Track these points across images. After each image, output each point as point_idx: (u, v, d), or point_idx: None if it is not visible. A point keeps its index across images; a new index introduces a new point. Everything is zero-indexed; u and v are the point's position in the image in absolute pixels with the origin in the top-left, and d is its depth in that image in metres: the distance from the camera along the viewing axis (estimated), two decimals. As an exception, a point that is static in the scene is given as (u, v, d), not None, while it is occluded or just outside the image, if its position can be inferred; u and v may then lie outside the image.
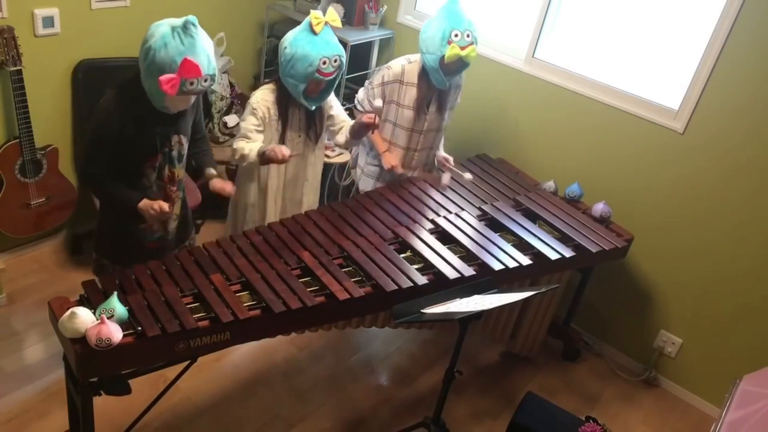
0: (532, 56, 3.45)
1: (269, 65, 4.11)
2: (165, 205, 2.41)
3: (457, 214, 2.95)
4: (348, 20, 3.83)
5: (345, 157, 3.83)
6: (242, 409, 2.89)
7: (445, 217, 2.91)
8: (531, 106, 3.48)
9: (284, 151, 2.65)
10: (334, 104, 2.99)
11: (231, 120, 3.83)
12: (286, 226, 2.68)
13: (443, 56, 2.83)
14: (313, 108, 2.83)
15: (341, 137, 2.95)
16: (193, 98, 2.36)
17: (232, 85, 3.89)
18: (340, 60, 2.71)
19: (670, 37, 3.09)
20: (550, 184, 3.29)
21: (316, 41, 2.63)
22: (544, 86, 3.40)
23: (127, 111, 2.30)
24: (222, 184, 2.61)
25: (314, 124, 2.91)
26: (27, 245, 3.48)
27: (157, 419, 2.72)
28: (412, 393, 3.14)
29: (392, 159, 3.10)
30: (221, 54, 3.71)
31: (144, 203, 2.41)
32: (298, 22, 3.88)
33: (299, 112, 2.85)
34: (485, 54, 3.55)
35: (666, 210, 3.20)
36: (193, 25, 2.21)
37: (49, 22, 3.06)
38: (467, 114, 3.65)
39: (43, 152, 3.15)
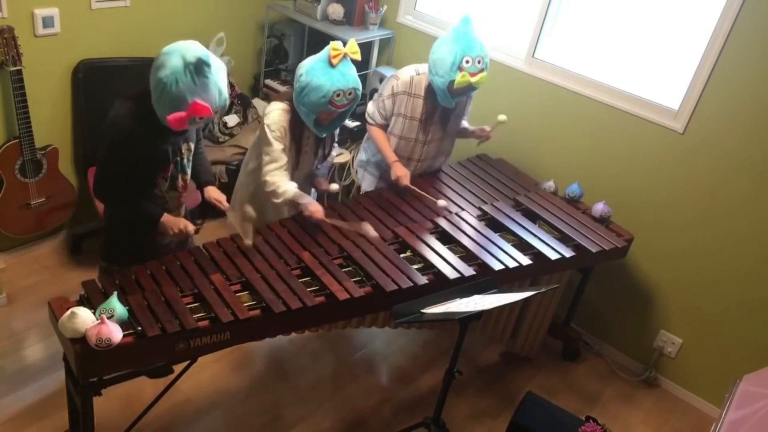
0: (532, 56, 3.45)
1: (269, 65, 4.11)
2: (191, 228, 2.45)
3: (457, 214, 2.95)
4: (348, 20, 3.83)
5: (345, 157, 3.83)
6: (242, 409, 2.89)
7: (445, 217, 2.91)
8: (531, 106, 3.48)
9: (318, 211, 2.64)
10: (331, 155, 3.00)
11: (231, 120, 3.83)
12: (286, 226, 2.69)
13: (452, 81, 2.77)
14: (324, 136, 2.81)
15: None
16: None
17: (232, 85, 3.89)
18: (355, 93, 2.67)
19: (670, 37, 3.09)
20: (550, 184, 3.29)
21: (332, 73, 2.58)
22: (544, 86, 3.40)
23: (143, 127, 2.28)
24: (218, 195, 2.62)
25: (323, 147, 2.91)
26: (27, 245, 3.49)
27: (157, 419, 2.71)
28: (412, 393, 3.14)
29: (401, 170, 3.00)
30: (221, 54, 3.71)
31: (167, 219, 2.43)
32: (298, 22, 3.93)
33: (310, 137, 2.83)
34: (485, 54, 3.55)
35: (666, 210, 3.20)
36: (207, 65, 2.15)
37: (49, 22, 3.06)
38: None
39: (43, 152, 3.15)
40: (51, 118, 3.25)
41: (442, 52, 2.80)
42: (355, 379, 3.16)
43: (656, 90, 3.14)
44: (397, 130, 3.04)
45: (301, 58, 4.09)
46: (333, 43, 2.62)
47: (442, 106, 2.98)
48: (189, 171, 2.55)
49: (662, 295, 3.34)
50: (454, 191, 3.16)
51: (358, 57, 2.66)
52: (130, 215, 2.48)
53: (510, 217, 2.99)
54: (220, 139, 3.84)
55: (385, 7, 3.87)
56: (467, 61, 2.75)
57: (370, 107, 3.11)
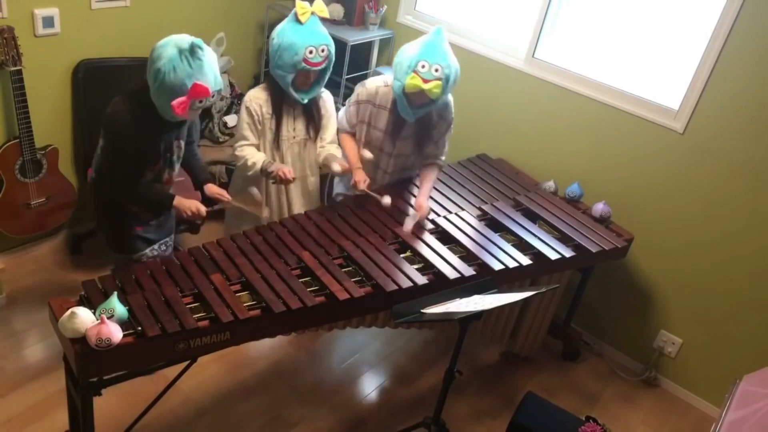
0: (532, 56, 3.45)
1: (269, 65, 4.11)
2: (203, 209, 2.56)
3: (457, 214, 2.95)
4: (348, 20, 3.83)
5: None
6: (242, 409, 2.89)
7: (445, 217, 2.91)
8: (531, 106, 3.48)
9: (287, 172, 2.70)
10: (331, 122, 2.96)
11: (231, 120, 3.83)
12: (286, 226, 2.68)
13: (405, 84, 2.65)
14: (306, 101, 2.81)
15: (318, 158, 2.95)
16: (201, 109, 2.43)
17: (232, 85, 3.89)
18: (328, 49, 2.71)
19: (670, 37, 3.09)
20: (550, 184, 3.29)
21: (301, 30, 2.64)
22: (544, 86, 3.40)
23: (140, 121, 2.37)
24: (218, 190, 2.69)
25: (313, 119, 2.90)
26: (27, 245, 3.48)
27: (157, 419, 2.71)
28: (412, 393, 3.14)
29: (360, 175, 2.83)
30: (221, 54, 3.71)
31: (180, 202, 2.54)
32: (298, 22, 3.92)
33: (294, 110, 2.85)
34: (485, 54, 3.55)
35: (666, 210, 3.20)
36: (200, 48, 2.26)
37: (49, 22, 3.06)
38: (467, 114, 3.66)
39: (43, 152, 3.15)
40: (51, 118, 3.25)
41: (402, 55, 2.71)
42: (355, 379, 3.16)
43: (656, 90, 3.14)
44: (363, 136, 2.96)
45: (301, 58, 4.12)
46: (299, 2, 2.67)
47: (404, 120, 2.82)
48: (176, 167, 2.64)
49: (662, 295, 3.34)
50: (454, 191, 3.16)
51: (325, 14, 2.72)
52: (142, 201, 2.58)
53: (510, 217, 2.99)
54: (220, 139, 3.84)
55: (385, 7, 3.87)
56: (423, 66, 2.61)
57: (341, 113, 3.03)
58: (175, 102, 2.26)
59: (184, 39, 2.26)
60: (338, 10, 3.80)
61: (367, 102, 2.91)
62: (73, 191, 3.36)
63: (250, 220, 2.92)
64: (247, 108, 2.79)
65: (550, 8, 3.34)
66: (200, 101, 2.31)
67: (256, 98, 2.80)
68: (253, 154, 2.79)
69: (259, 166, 2.75)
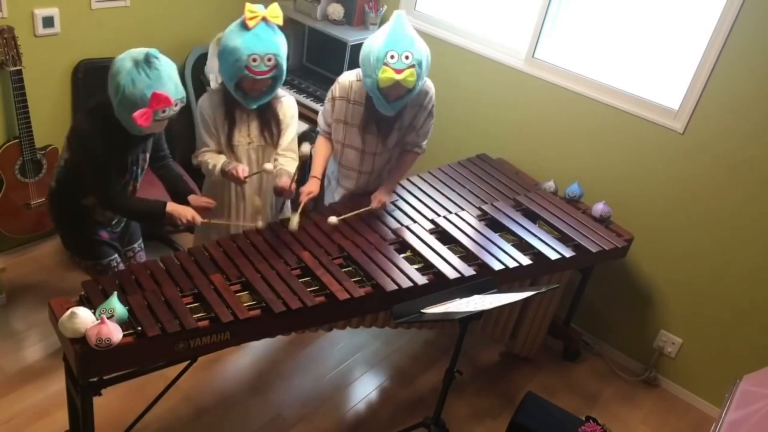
0: (532, 56, 3.45)
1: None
2: (198, 219, 2.51)
3: (457, 214, 2.95)
4: (348, 20, 3.83)
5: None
6: (242, 409, 2.89)
7: (445, 217, 2.91)
8: (531, 106, 3.48)
9: (240, 171, 2.56)
10: (289, 125, 2.76)
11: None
12: (286, 226, 2.68)
13: (378, 79, 2.51)
14: (254, 107, 2.64)
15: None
16: (166, 122, 2.40)
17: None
18: (276, 60, 2.51)
19: (670, 37, 3.09)
20: (550, 184, 3.29)
21: (246, 36, 2.46)
22: (544, 86, 3.40)
23: (107, 137, 2.36)
24: (204, 199, 2.65)
25: (268, 125, 2.72)
26: (27, 245, 3.49)
27: (157, 419, 2.72)
28: (412, 393, 3.14)
29: (311, 186, 2.71)
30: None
31: (174, 210, 2.49)
32: (298, 22, 3.92)
33: (248, 115, 2.69)
34: (485, 54, 3.55)
35: (666, 210, 3.20)
36: (156, 57, 2.25)
37: (49, 22, 3.06)
38: (467, 113, 3.66)
39: (43, 152, 3.15)
40: (51, 118, 3.25)
41: (367, 49, 2.56)
42: (355, 379, 3.16)
43: (656, 90, 3.14)
44: (339, 136, 2.84)
45: (301, 59, 4.13)
46: (248, 5, 2.48)
47: (385, 117, 2.70)
48: (140, 179, 2.62)
49: (662, 295, 3.34)
50: (454, 191, 3.15)
51: (279, 21, 2.53)
52: (136, 213, 2.57)
53: (510, 217, 2.99)
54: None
55: (385, 7, 3.87)
56: (392, 56, 2.48)
57: (319, 116, 2.91)
58: (136, 113, 2.23)
59: (138, 50, 2.25)
60: (338, 10, 3.80)
61: (342, 98, 2.76)
62: (73, 191, 3.36)
63: (220, 229, 2.87)
64: (201, 114, 2.66)
65: (550, 8, 3.34)
66: (163, 111, 2.28)
67: (209, 105, 2.65)
68: (212, 157, 2.66)
69: (218, 167, 2.62)
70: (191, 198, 2.65)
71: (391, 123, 2.76)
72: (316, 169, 2.79)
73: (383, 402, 3.07)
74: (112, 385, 2.14)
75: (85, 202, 2.53)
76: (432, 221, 2.88)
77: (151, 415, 2.45)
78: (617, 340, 3.55)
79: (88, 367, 2.01)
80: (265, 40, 2.48)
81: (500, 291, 2.37)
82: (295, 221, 2.55)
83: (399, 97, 2.61)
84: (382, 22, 3.90)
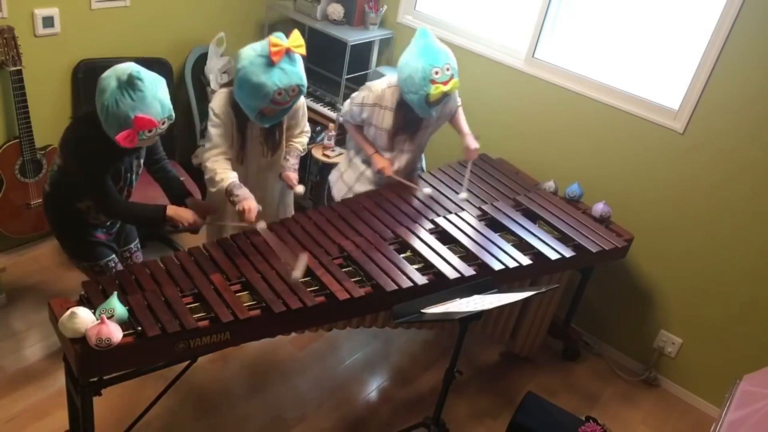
0: (532, 56, 3.45)
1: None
2: (200, 221, 2.50)
3: (457, 214, 2.95)
4: (348, 20, 3.83)
5: (344, 157, 3.82)
6: (243, 409, 2.89)
7: (445, 217, 2.91)
8: (531, 106, 3.48)
9: (249, 212, 2.49)
10: (301, 115, 2.85)
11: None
12: (286, 226, 2.68)
13: (428, 95, 2.75)
14: (267, 125, 2.66)
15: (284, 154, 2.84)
16: (156, 138, 2.38)
17: (232, 85, 3.89)
18: (299, 89, 2.53)
19: (670, 37, 3.09)
20: (550, 184, 3.29)
21: (272, 72, 2.43)
22: (544, 86, 3.40)
23: (99, 146, 2.34)
24: (203, 204, 2.65)
25: (272, 135, 2.77)
26: (27, 245, 3.49)
27: (157, 419, 2.72)
28: (412, 393, 3.14)
29: (382, 161, 3.03)
30: (221, 54, 3.71)
31: (175, 213, 2.47)
32: (298, 22, 3.92)
33: (256, 126, 2.71)
34: (485, 54, 3.55)
35: (666, 210, 3.20)
36: (139, 79, 2.19)
37: (49, 22, 3.06)
38: (467, 113, 3.65)
39: (43, 152, 3.15)
40: (51, 118, 3.25)
41: (410, 69, 2.77)
42: (355, 379, 3.16)
43: (656, 90, 3.14)
44: (370, 137, 3.05)
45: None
46: (272, 38, 2.43)
47: (412, 119, 2.96)
48: (134, 184, 2.61)
49: (662, 295, 3.34)
50: (455, 191, 3.15)
51: (302, 52, 2.50)
52: (136, 217, 2.56)
53: (510, 217, 2.99)
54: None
55: (385, 7, 3.87)
56: (436, 72, 2.73)
57: (346, 106, 3.08)
58: (119, 136, 2.21)
59: (123, 69, 2.20)
60: (338, 10, 3.80)
61: (374, 105, 2.95)
62: (73, 191, 3.36)
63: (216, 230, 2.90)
64: (215, 115, 2.62)
65: (550, 8, 3.34)
66: (149, 131, 2.24)
67: (225, 106, 2.62)
68: (223, 171, 2.60)
69: (225, 185, 2.56)
70: (189, 201, 2.61)
71: (420, 123, 3.00)
72: (370, 147, 3.05)
73: (383, 402, 3.07)
74: (112, 385, 2.14)
75: (79, 205, 2.52)
76: (432, 221, 2.88)
77: (151, 415, 2.45)
78: (617, 340, 3.55)
79: (88, 367, 2.01)
80: (290, 74, 2.47)
81: (500, 291, 2.37)
82: (261, 224, 2.53)
83: (439, 102, 2.87)
84: (383, 22, 3.91)
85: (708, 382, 3.30)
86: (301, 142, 2.89)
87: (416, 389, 3.16)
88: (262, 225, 2.55)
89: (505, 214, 3.01)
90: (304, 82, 2.55)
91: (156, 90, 2.25)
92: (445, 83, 2.75)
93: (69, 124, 2.41)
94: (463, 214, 2.95)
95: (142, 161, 2.58)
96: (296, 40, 2.48)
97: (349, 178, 3.20)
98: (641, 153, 3.19)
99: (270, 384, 3.04)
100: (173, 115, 2.33)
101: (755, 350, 3.11)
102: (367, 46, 3.90)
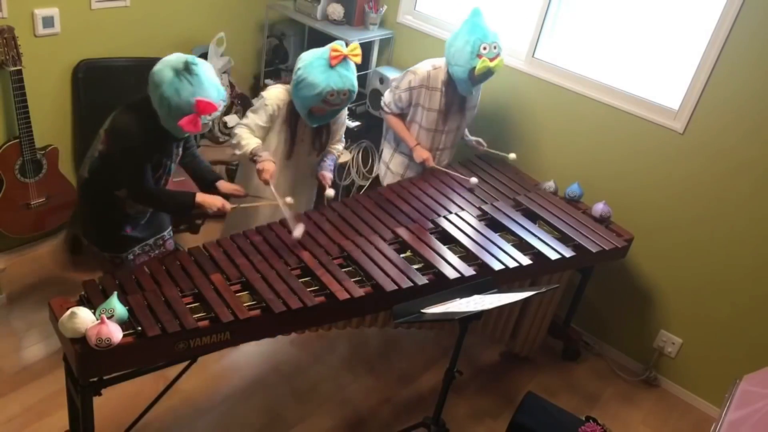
0: (532, 56, 3.45)
1: (269, 65, 4.11)
2: (228, 205, 2.58)
3: (457, 214, 2.95)
4: (348, 20, 3.83)
5: (345, 157, 3.83)
6: (242, 409, 2.89)
7: (445, 217, 2.92)
8: (531, 106, 3.48)
9: (266, 172, 2.68)
10: (342, 124, 3.05)
11: (231, 120, 3.83)
12: (286, 226, 2.68)
13: (473, 68, 2.93)
14: (314, 125, 2.86)
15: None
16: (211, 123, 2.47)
17: (232, 85, 3.89)
18: (350, 93, 2.73)
19: (670, 37, 3.09)
20: (550, 184, 3.29)
21: (329, 73, 2.64)
22: (544, 86, 3.40)
23: (147, 135, 2.40)
24: (233, 186, 2.74)
25: (320, 136, 2.96)
26: (27, 245, 3.48)
27: (157, 419, 2.71)
28: (412, 393, 3.14)
29: (423, 152, 3.17)
30: (221, 54, 3.71)
31: (204, 199, 2.55)
32: (298, 22, 3.93)
33: (306, 126, 2.89)
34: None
35: (666, 210, 3.20)
36: (194, 64, 2.30)
37: (49, 22, 3.06)
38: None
39: (43, 152, 3.15)
40: (51, 118, 3.25)
41: (459, 43, 2.95)
42: (355, 379, 3.16)
43: (656, 90, 3.14)
44: (418, 118, 3.18)
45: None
46: (335, 44, 2.67)
47: (458, 98, 3.14)
48: (173, 172, 2.67)
49: (662, 295, 3.34)
50: (454, 191, 3.16)
51: (358, 60, 2.72)
52: (167, 204, 2.61)
53: (510, 217, 2.99)
54: (220, 139, 3.84)
55: (385, 7, 3.87)
56: (485, 48, 2.91)
57: (387, 96, 3.23)
58: (183, 121, 2.29)
59: (175, 58, 2.30)
60: (338, 10, 3.80)
61: (421, 86, 3.10)
62: (73, 191, 3.36)
63: (248, 216, 2.94)
64: (266, 105, 2.80)
65: (550, 8, 3.34)
66: (209, 115, 2.34)
67: (279, 98, 2.82)
68: (248, 137, 2.79)
69: (249, 149, 2.75)
70: (220, 184, 2.72)
71: (464, 104, 3.21)
72: (411, 139, 3.21)
73: (383, 402, 3.07)
74: (112, 385, 2.14)
75: (118, 193, 2.55)
76: (432, 221, 2.88)
77: (151, 415, 2.45)
78: (617, 340, 3.55)
79: (88, 367, 2.01)
80: (345, 78, 2.68)
81: (500, 291, 2.37)
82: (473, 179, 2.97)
83: (481, 81, 3.06)
84: (383, 22, 3.91)
85: (708, 382, 3.30)
86: (337, 148, 3.08)
87: (416, 389, 3.16)
88: (289, 199, 2.71)
89: (505, 214, 3.01)
90: (356, 89, 2.75)
91: (210, 73, 2.37)
92: (491, 59, 2.93)
93: (119, 110, 2.45)
94: (463, 214, 2.95)
95: (181, 149, 2.64)
96: (354, 49, 2.71)
97: (396, 168, 3.34)
98: (641, 153, 3.19)
99: (270, 384, 3.04)
100: (226, 97, 2.44)
101: (755, 350, 3.11)
102: (367, 46, 3.90)
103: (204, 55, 3.69)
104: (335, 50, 2.64)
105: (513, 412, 2.63)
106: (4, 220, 3.16)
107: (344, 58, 2.66)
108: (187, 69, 2.27)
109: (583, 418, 2.56)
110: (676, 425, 3.24)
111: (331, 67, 2.64)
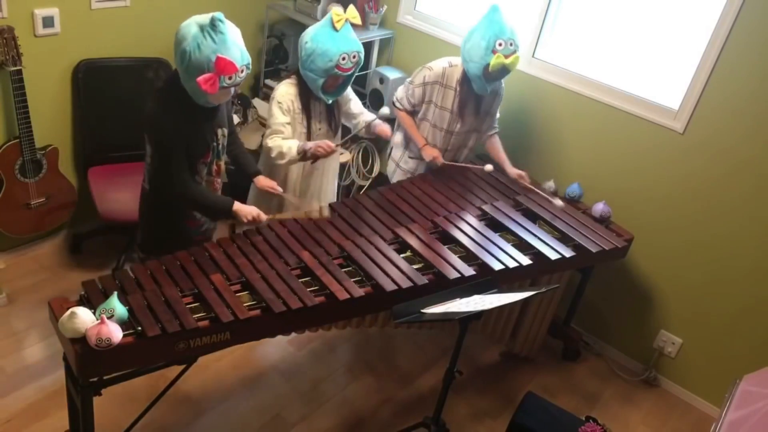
0: (533, 56, 3.45)
1: (269, 65, 4.11)
2: (263, 216, 2.56)
3: (457, 214, 2.95)
4: (348, 20, 3.82)
5: (345, 157, 3.83)
6: (242, 409, 2.89)
7: (445, 217, 2.91)
8: (531, 106, 3.48)
9: (330, 144, 2.78)
10: (351, 98, 3.08)
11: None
12: (286, 226, 2.68)
13: (487, 65, 2.89)
14: (330, 102, 2.91)
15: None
16: (233, 90, 2.41)
17: (232, 85, 3.89)
18: (359, 56, 2.79)
19: (670, 37, 3.09)
20: (550, 184, 3.29)
21: (336, 37, 2.71)
22: (544, 86, 3.40)
23: (178, 115, 2.36)
24: (270, 182, 2.75)
25: (333, 116, 3.00)
26: (27, 245, 3.49)
27: (157, 419, 2.72)
28: (412, 393, 3.14)
29: (433, 150, 3.16)
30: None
31: (240, 208, 2.53)
32: (298, 22, 3.92)
33: (319, 104, 2.93)
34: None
35: (666, 210, 3.20)
36: (221, 21, 2.25)
37: (49, 22, 3.06)
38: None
39: (43, 152, 3.15)
40: (51, 118, 3.25)
41: (476, 38, 2.92)
42: (355, 379, 3.16)
43: (656, 90, 3.14)
44: (430, 116, 3.16)
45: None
46: (334, 9, 2.73)
47: (475, 97, 3.10)
48: (223, 157, 2.66)
49: (662, 295, 3.34)
50: (454, 191, 3.15)
51: (358, 21, 2.80)
52: (201, 205, 2.56)
53: (510, 217, 2.99)
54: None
55: (385, 7, 3.87)
56: (500, 44, 2.87)
57: (400, 92, 3.22)
58: (201, 78, 2.22)
59: (204, 15, 2.25)
60: (337, 11, 3.79)
61: (435, 83, 3.09)
62: (73, 191, 3.36)
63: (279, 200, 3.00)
64: (280, 104, 2.84)
65: (550, 8, 3.34)
66: (229, 78, 2.27)
67: (288, 93, 2.85)
68: (283, 142, 2.81)
69: (294, 149, 2.78)
70: (258, 179, 2.74)
71: (480, 107, 3.16)
72: (420, 138, 3.19)
73: (383, 402, 3.07)
74: (112, 385, 2.14)
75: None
76: (432, 221, 2.88)
77: (151, 416, 2.45)
78: (617, 340, 3.55)
79: (88, 367, 2.01)
80: (351, 40, 2.76)
81: (500, 291, 2.37)
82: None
83: (496, 79, 3.03)
84: (383, 22, 3.91)
85: (708, 382, 3.30)
86: (352, 104, 3.10)
87: (416, 389, 3.16)
88: (317, 207, 2.81)
89: (505, 214, 3.01)
90: (362, 49, 2.80)
91: (236, 35, 2.33)
92: (506, 56, 2.87)
93: (148, 101, 2.43)
94: (463, 214, 2.95)
95: (226, 131, 2.61)
96: (352, 12, 2.77)
97: (407, 165, 3.34)
98: (641, 153, 3.19)
99: (270, 384, 3.04)
100: (250, 62, 2.39)
101: (755, 350, 3.11)
102: (367, 46, 3.89)
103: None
104: (337, 14, 2.71)
105: (513, 412, 2.63)
106: (4, 220, 3.16)
107: (346, 21, 2.73)
108: (212, 25, 2.22)
109: (583, 418, 2.56)
110: (675, 425, 3.24)
111: (337, 31, 2.70)
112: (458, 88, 3.08)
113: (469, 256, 2.70)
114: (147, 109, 2.40)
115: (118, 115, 3.37)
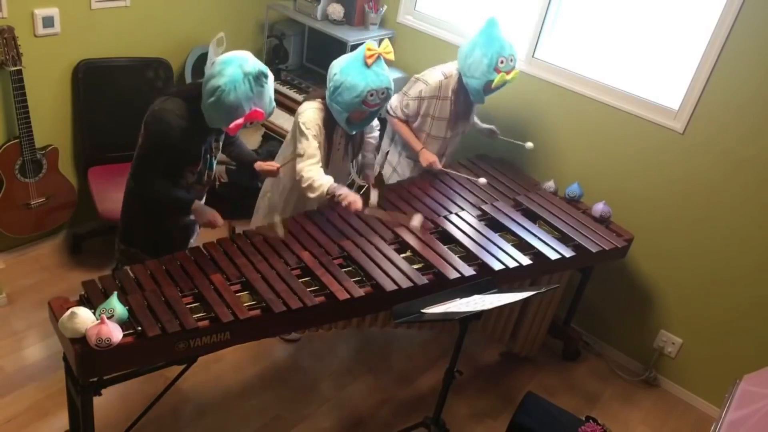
0: (532, 56, 3.45)
1: (269, 65, 4.09)
2: (219, 221, 2.58)
3: (457, 214, 2.95)
4: (348, 20, 3.82)
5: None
6: (242, 409, 2.89)
7: (445, 217, 2.92)
8: (531, 106, 3.48)
9: (358, 206, 2.64)
10: (375, 129, 3.07)
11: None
12: (286, 226, 2.68)
13: (490, 81, 2.94)
14: (354, 133, 2.88)
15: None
16: None
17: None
18: (388, 93, 2.72)
19: (670, 37, 3.09)
20: (550, 184, 3.29)
21: (366, 73, 2.63)
22: (544, 86, 3.40)
23: (187, 125, 2.41)
24: (268, 164, 2.76)
25: (354, 146, 2.97)
26: (27, 245, 3.49)
27: (157, 419, 2.72)
28: (412, 393, 3.14)
29: (430, 156, 3.15)
30: (221, 54, 3.71)
31: (199, 206, 2.57)
32: (298, 22, 3.93)
33: (342, 132, 2.87)
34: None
35: (666, 210, 3.20)
36: (266, 76, 2.36)
37: (49, 22, 3.06)
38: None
39: (43, 152, 3.15)
40: (51, 118, 3.25)
41: (477, 55, 2.94)
42: (355, 379, 3.16)
43: (656, 90, 3.14)
44: (426, 128, 3.17)
45: (301, 58, 4.13)
46: (368, 44, 2.67)
47: (468, 104, 3.17)
48: (215, 167, 2.69)
49: (662, 295, 3.34)
50: (454, 191, 3.16)
51: (391, 57, 2.72)
52: (163, 201, 2.58)
53: (510, 217, 2.99)
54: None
55: (385, 7, 3.87)
56: (502, 62, 2.92)
57: (394, 101, 3.18)
58: (232, 125, 2.33)
59: (250, 62, 2.32)
60: (338, 10, 3.80)
61: (432, 97, 3.09)
62: (73, 191, 3.36)
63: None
64: (309, 130, 2.73)
65: (550, 8, 3.34)
66: (251, 123, 2.40)
67: (315, 119, 2.76)
68: (319, 177, 2.70)
69: (325, 189, 2.66)
70: (257, 165, 2.76)
71: (471, 109, 3.23)
72: (417, 143, 3.19)
73: (383, 402, 3.07)
74: (112, 385, 2.14)
75: (181, 181, 2.56)
76: (432, 221, 2.88)
77: (151, 415, 2.45)
78: (617, 340, 3.55)
79: (88, 367, 2.01)
80: (382, 77, 2.68)
81: (500, 291, 2.37)
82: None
83: (495, 91, 3.05)
84: (383, 22, 3.91)
85: (708, 382, 3.30)
86: (373, 136, 3.08)
87: (416, 389, 3.16)
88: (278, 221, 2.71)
89: (505, 214, 3.01)
90: (392, 86, 2.75)
91: (272, 90, 2.45)
92: (508, 72, 2.94)
93: (160, 99, 2.46)
94: (463, 214, 2.95)
95: (220, 143, 2.67)
96: (386, 47, 2.70)
97: (403, 170, 3.34)
98: (641, 153, 3.19)
99: (270, 384, 3.04)
100: (273, 111, 2.50)
101: (755, 350, 3.11)
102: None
103: (204, 55, 3.69)
104: (370, 49, 2.64)
105: (513, 412, 2.63)
106: (4, 220, 3.16)
107: (378, 57, 2.66)
108: (257, 78, 2.31)
109: (583, 418, 2.56)
110: (675, 425, 3.24)
111: (368, 66, 2.63)
112: (453, 97, 3.10)
113: (469, 256, 2.70)
114: (160, 106, 2.41)
115: (118, 115, 3.37)
